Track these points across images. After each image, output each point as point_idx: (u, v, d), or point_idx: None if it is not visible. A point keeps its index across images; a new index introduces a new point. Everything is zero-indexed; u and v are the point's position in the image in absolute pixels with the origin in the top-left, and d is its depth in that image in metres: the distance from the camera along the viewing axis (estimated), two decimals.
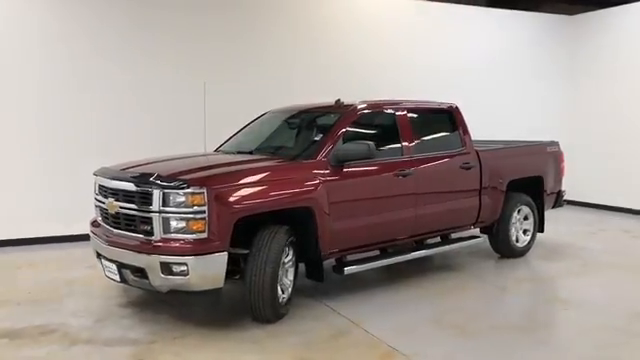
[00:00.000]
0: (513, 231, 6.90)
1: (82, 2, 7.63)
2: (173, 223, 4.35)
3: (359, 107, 5.63)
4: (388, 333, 4.46)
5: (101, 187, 5.02)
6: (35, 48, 7.41)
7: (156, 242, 4.39)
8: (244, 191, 4.53)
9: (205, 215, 4.31)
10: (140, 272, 4.49)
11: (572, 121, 11.10)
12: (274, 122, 6.23)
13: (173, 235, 4.36)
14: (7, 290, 5.57)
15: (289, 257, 4.91)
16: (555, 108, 11.17)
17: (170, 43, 8.07)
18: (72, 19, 7.59)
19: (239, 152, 5.73)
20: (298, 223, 4.95)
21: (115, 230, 4.78)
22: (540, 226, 7.27)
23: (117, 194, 4.73)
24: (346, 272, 5.27)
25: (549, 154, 7.38)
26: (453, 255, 7.01)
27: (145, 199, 4.46)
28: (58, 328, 4.57)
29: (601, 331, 4.56)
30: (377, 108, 5.85)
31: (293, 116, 6.16)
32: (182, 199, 4.33)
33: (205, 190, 4.32)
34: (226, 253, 4.38)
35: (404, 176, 5.60)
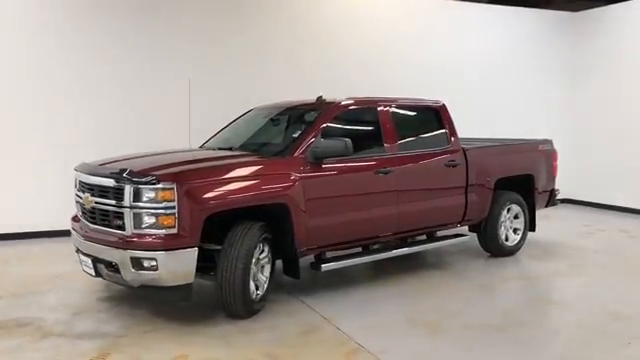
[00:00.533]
0: (502, 230, 6.84)
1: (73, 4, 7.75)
2: (144, 218, 4.37)
3: (339, 104, 5.62)
4: (359, 330, 4.44)
5: (80, 182, 5.07)
6: (26, 49, 7.53)
7: (127, 237, 4.42)
8: (215, 187, 4.54)
9: (175, 211, 4.33)
10: (113, 267, 4.53)
11: (574, 119, 10.98)
12: (258, 119, 6.24)
13: (144, 230, 4.38)
14: None
15: (264, 253, 4.91)
16: (557, 106, 11.06)
17: (159, 42, 8.14)
18: (65, 20, 7.70)
19: (220, 148, 5.76)
20: (274, 220, 4.95)
21: (91, 225, 4.82)
22: (531, 225, 7.19)
23: (93, 189, 4.78)
24: (323, 269, 5.27)
25: (541, 152, 7.30)
26: (442, 253, 6.97)
27: (117, 194, 4.50)
28: (34, 321, 4.63)
29: (576, 330, 4.51)
30: (359, 105, 5.82)
31: (276, 113, 6.15)
32: (152, 195, 4.35)
33: (175, 186, 4.34)
34: (196, 249, 4.40)
35: (385, 173, 5.57)
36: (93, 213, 4.79)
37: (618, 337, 4.38)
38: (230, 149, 5.63)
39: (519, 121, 10.22)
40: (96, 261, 4.68)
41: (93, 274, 4.78)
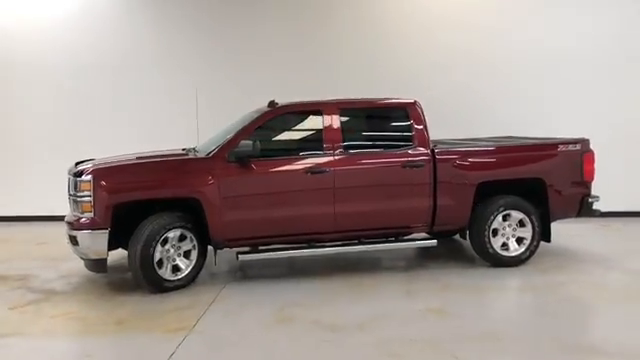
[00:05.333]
0: (499, 238, 6.28)
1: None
2: (77, 205, 5.58)
3: (274, 109, 6.01)
4: (215, 314, 4.98)
5: None
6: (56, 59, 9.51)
7: (69, 219, 5.68)
8: (124, 181, 5.55)
9: (91, 199, 5.44)
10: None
11: None
12: (237, 122, 6.80)
13: (77, 214, 5.60)
14: (48, 250, 7.48)
15: (186, 241, 5.68)
16: None
17: (175, 51, 9.47)
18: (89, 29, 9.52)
19: (183, 149, 6.56)
20: (195, 212, 5.69)
21: None
22: (545, 235, 6.39)
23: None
24: (239, 259, 5.85)
25: (562, 154, 6.41)
26: (431, 258, 6.73)
27: (70, 185, 5.80)
28: (29, 278, 6.22)
29: (407, 344, 4.25)
30: (298, 109, 6.13)
31: (247, 116, 6.66)
32: (78, 185, 5.53)
33: (91, 179, 5.44)
34: (107, 230, 5.42)
35: (318, 173, 5.79)
36: None
37: (449, 351, 4.06)
38: (183, 149, 6.46)
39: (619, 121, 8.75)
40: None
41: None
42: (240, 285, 5.91)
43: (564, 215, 6.56)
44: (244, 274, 6.36)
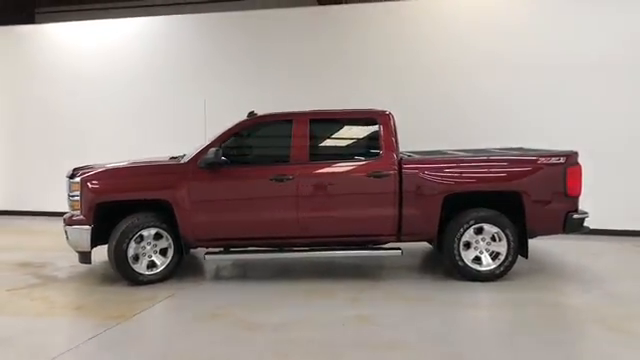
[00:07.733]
0: (471, 251, 6.19)
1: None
2: (70, 203, 6.36)
3: (247, 119, 6.40)
4: (163, 307, 5.50)
5: None
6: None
7: (65, 216, 6.47)
8: (105, 184, 6.24)
9: (79, 198, 6.17)
10: None
11: None
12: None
13: (70, 211, 6.37)
14: None
15: (162, 239, 6.25)
16: None
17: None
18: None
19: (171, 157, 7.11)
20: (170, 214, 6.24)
21: None
22: (522, 250, 6.19)
23: None
24: (206, 259, 6.32)
25: (541, 166, 6.15)
26: (423, 268, 6.83)
27: (66, 186, 6.59)
28: (45, 265, 7.12)
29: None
30: (272, 119, 6.45)
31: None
32: (71, 186, 6.29)
33: (80, 181, 6.18)
34: (90, 227, 6.12)
35: (281, 181, 6.10)
36: None
37: (334, 355, 4.23)
38: (173, 157, 6.99)
39: None
40: None
41: None
42: (210, 283, 6.38)
43: (547, 231, 6.30)
44: (230, 274, 6.80)
